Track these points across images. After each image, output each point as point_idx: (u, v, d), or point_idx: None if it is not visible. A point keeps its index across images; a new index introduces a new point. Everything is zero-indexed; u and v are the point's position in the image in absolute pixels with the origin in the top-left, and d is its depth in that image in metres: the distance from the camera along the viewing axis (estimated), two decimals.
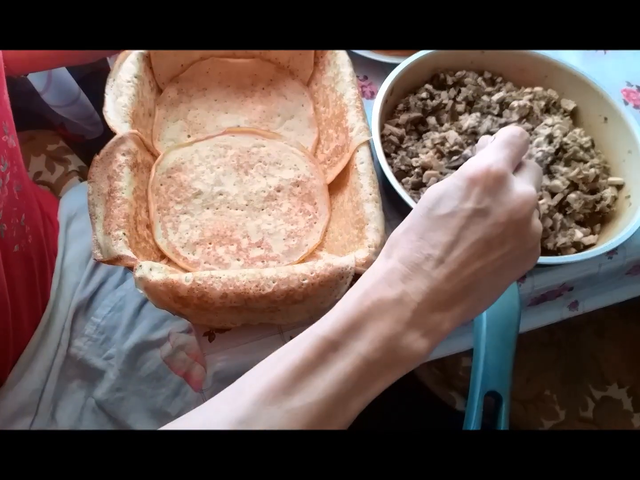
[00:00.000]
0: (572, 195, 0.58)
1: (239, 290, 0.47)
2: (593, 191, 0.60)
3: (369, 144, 0.57)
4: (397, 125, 0.63)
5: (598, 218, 0.60)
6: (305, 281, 0.48)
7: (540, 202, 0.57)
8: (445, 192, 0.35)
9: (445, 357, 0.66)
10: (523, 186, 0.36)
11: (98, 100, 0.92)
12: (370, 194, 0.53)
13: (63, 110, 0.89)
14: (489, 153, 0.36)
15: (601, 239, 0.59)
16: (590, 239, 0.59)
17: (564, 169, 0.59)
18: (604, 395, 0.83)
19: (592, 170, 0.59)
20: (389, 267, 0.34)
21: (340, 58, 0.62)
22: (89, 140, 0.97)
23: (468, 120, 0.62)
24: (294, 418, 0.31)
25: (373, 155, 0.58)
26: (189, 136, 0.62)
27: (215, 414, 0.32)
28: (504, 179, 0.35)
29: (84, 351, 0.69)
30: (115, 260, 0.47)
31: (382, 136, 0.62)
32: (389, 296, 0.33)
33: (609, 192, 0.60)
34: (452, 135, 0.60)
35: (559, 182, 0.58)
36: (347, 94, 0.60)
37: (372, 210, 0.52)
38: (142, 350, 0.69)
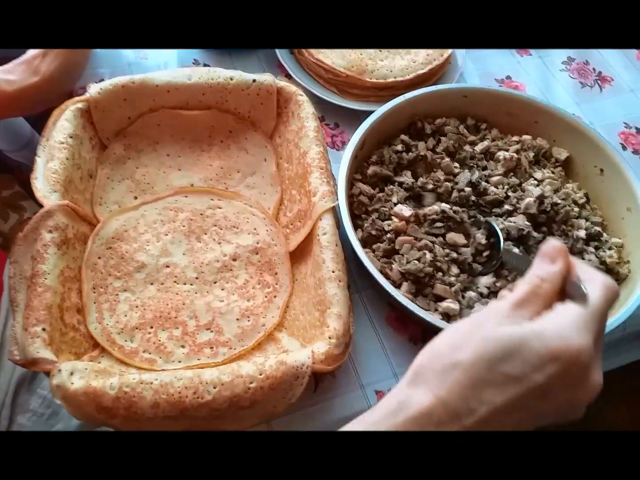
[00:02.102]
0: None
1: (173, 398, 0.40)
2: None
3: (334, 210, 0.50)
4: (367, 180, 0.57)
5: None
6: (253, 384, 0.41)
7: None
8: (519, 350, 0.32)
9: None
10: (597, 375, 0.32)
11: None
12: (334, 272, 0.47)
13: (15, 155, 0.82)
14: (582, 328, 0.32)
15: None
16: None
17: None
18: None
19: (610, 254, 0.54)
20: (427, 409, 0.31)
21: (305, 110, 0.56)
22: None
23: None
24: None
25: (339, 220, 0.51)
26: (135, 198, 0.56)
27: None
28: (588, 369, 0.32)
29: (28, 428, 0.62)
30: (32, 363, 0.40)
31: (351, 196, 0.56)
32: None
33: (612, 257, 0.53)
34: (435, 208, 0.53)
35: None
36: (311, 152, 0.53)
37: (335, 291, 0.46)
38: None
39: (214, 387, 0.40)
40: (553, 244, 0.36)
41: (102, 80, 0.64)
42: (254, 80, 0.57)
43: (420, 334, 0.52)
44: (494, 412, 0.32)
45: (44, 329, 0.42)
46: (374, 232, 0.54)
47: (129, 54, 0.68)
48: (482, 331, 0.33)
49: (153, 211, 0.55)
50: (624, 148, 0.67)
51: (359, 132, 0.56)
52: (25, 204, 0.83)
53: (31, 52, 0.59)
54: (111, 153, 0.57)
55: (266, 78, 0.58)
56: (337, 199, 0.51)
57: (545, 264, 0.35)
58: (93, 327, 0.47)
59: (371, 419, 0.32)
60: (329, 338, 0.43)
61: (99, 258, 0.51)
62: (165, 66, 0.68)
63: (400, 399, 0.32)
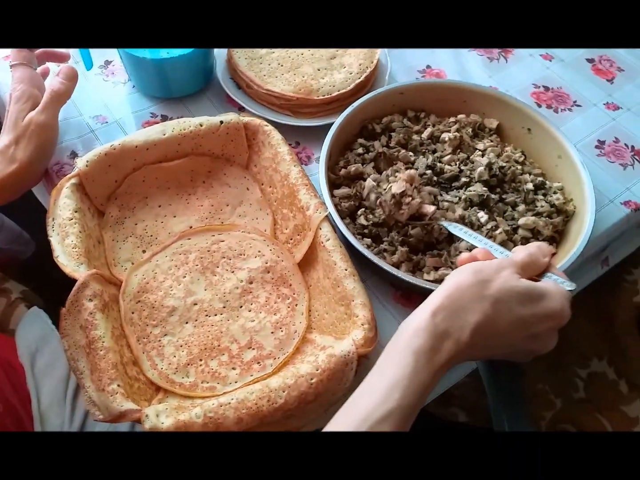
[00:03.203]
0: (540, 223, 0.61)
1: (252, 410, 0.46)
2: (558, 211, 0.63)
3: (327, 218, 0.58)
4: (340, 182, 0.65)
5: None
6: (314, 380, 0.48)
7: (498, 231, 0.59)
8: (535, 301, 0.43)
9: None
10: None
11: (23, 216, 0.88)
12: (347, 269, 0.54)
13: None
14: (567, 301, 0.44)
15: (560, 247, 0.63)
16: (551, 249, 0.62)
17: (541, 205, 0.63)
18: (589, 372, 0.88)
19: (557, 197, 0.63)
20: (453, 349, 0.42)
21: (274, 137, 0.63)
22: (24, 260, 0.92)
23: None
24: None
25: (333, 225, 0.59)
26: (144, 252, 0.60)
27: None
28: (557, 333, 0.45)
29: None
30: (119, 417, 0.45)
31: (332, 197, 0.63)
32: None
33: (559, 199, 0.63)
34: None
35: (529, 221, 0.61)
36: (292, 173, 0.60)
37: (354, 285, 0.53)
38: None
39: (283, 391, 0.47)
40: (547, 246, 0.49)
41: (73, 152, 0.69)
42: (222, 122, 0.63)
43: None
44: (499, 344, 0.43)
45: (118, 385, 0.46)
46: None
47: (89, 121, 0.72)
48: (504, 276, 0.44)
49: (164, 259, 0.60)
50: (539, 105, 0.78)
51: (325, 145, 0.63)
52: (8, 285, 0.84)
53: (2, 142, 0.61)
54: (109, 217, 0.61)
55: (231, 117, 0.64)
56: (327, 208, 0.58)
57: (540, 255, 0.47)
58: (150, 374, 0.52)
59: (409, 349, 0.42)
60: (362, 325, 0.51)
61: (133, 313, 0.56)
62: (124, 124, 0.72)
63: (434, 332, 0.42)
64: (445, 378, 0.68)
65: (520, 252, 0.47)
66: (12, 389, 0.65)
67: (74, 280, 0.52)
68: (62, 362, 0.70)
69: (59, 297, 0.93)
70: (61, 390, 0.69)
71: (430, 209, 0.58)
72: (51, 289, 1.02)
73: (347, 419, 0.40)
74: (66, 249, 0.53)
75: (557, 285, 0.45)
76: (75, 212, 0.56)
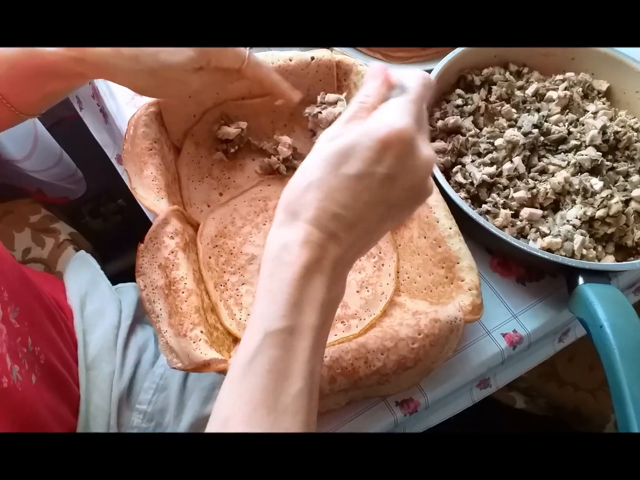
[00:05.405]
0: None
1: (347, 371, 0.41)
2: None
3: None
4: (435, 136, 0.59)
5: None
6: (415, 345, 0.43)
7: (613, 200, 0.53)
8: (353, 150, 0.35)
9: None
10: (426, 149, 0.36)
11: (69, 151, 0.83)
12: (451, 228, 0.49)
13: (44, 174, 0.79)
14: (401, 112, 0.35)
15: None
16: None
17: None
18: None
19: None
20: (305, 234, 0.34)
21: None
22: (73, 201, 0.88)
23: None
24: (291, 414, 0.32)
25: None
26: (220, 194, 0.56)
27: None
28: (413, 145, 0.35)
29: None
30: (203, 366, 0.41)
31: None
32: (315, 268, 0.34)
33: None
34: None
35: None
36: None
37: (459, 245, 0.48)
38: (199, 429, 0.62)
39: (382, 354, 0.42)
40: (373, 64, 0.39)
41: None
42: (313, 58, 0.58)
43: (526, 273, 0.55)
44: (357, 214, 0.35)
45: (201, 331, 0.42)
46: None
47: None
48: (321, 151, 0.36)
49: (243, 204, 0.55)
50: None
51: None
52: (57, 226, 0.81)
53: None
54: (185, 154, 0.56)
55: (323, 53, 0.58)
56: None
57: (370, 82, 0.38)
58: (228, 323, 0.48)
59: (267, 272, 0.35)
60: (469, 290, 0.46)
61: (210, 257, 0.51)
62: None
63: (281, 239, 0.35)
64: (521, 361, 0.63)
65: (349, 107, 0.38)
66: (58, 332, 0.61)
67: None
68: (112, 308, 0.66)
69: (105, 243, 0.90)
70: (112, 338, 0.65)
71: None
72: (98, 233, 0.99)
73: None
74: (145, 180, 0.49)
75: (380, 114, 0.35)
76: (155, 142, 0.51)
